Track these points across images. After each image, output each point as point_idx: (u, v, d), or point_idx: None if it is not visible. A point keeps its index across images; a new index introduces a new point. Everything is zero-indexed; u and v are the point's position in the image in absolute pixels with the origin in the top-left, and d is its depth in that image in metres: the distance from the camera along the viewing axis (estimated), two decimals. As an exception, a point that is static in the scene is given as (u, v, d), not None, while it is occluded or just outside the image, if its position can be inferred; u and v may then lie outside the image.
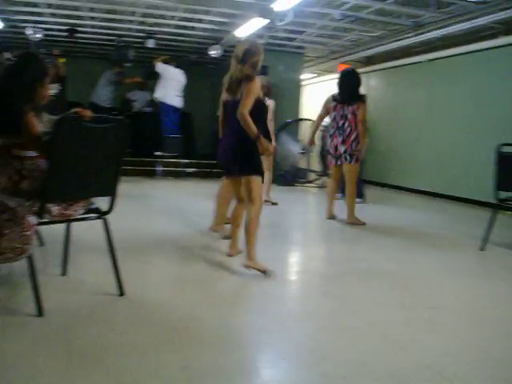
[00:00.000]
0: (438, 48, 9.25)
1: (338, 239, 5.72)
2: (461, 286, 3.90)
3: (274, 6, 7.52)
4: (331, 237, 5.91)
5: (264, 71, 8.92)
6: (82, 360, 2.31)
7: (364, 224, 6.21)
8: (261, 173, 3.99)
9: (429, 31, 8.57)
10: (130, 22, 9.66)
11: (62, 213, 2.92)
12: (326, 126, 10.37)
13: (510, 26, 7.95)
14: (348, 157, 6.19)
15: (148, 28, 9.93)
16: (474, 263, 4.77)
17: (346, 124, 6.10)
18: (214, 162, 8.41)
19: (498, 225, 5.05)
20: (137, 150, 9.76)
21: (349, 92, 6.18)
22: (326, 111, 6.41)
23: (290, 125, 10.41)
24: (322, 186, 9.92)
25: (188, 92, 10.34)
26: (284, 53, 11.20)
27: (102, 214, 3.13)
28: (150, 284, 3.59)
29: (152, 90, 10.36)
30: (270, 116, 5.48)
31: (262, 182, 4.04)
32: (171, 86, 9.90)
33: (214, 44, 10.48)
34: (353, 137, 6.14)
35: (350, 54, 11.25)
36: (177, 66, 10.15)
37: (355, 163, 6.24)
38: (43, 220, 2.83)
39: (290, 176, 10.31)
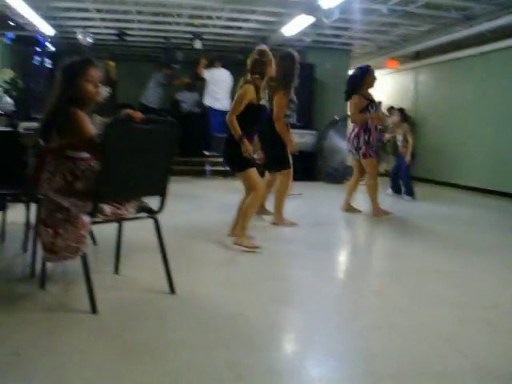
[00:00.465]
0: (490, 40, 8.97)
1: (388, 236, 5.64)
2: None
3: (320, 3, 7.48)
4: (377, 233, 5.83)
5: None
6: (135, 356, 2.37)
7: (389, 213, 6.35)
8: (249, 166, 4.44)
9: (480, 23, 8.34)
10: (177, 23, 9.79)
11: (114, 212, 2.97)
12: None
13: None
14: (355, 152, 6.33)
15: (195, 29, 10.04)
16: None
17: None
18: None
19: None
20: (186, 150, 9.87)
21: (346, 89, 6.39)
22: None
23: (338, 122, 10.34)
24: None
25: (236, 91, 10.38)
26: (331, 50, 11.14)
27: (152, 213, 3.19)
28: (200, 281, 3.62)
29: (200, 91, 10.47)
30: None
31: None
32: (218, 89, 9.99)
33: (260, 43, 10.50)
34: (353, 134, 6.30)
35: (399, 50, 11.06)
36: (223, 66, 10.23)
37: (369, 157, 6.31)
38: (96, 219, 2.90)
39: (338, 174, 10.24)
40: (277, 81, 5.26)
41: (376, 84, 6.40)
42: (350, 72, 6.81)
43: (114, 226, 3.44)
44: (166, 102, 11.15)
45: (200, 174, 10.21)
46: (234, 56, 11.64)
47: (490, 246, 5.06)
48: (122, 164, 2.91)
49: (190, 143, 10.01)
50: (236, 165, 4.54)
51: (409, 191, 8.18)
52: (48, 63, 10.57)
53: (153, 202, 3.20)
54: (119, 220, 3.26)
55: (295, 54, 5.52)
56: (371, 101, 6.29)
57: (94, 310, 2.81)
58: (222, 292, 3.43)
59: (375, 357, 2.46)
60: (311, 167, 10.33)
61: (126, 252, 3.74)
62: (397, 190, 8.39)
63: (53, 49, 10.74)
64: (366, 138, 6.24)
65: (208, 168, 10.25)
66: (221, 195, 7.94)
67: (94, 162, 2.99)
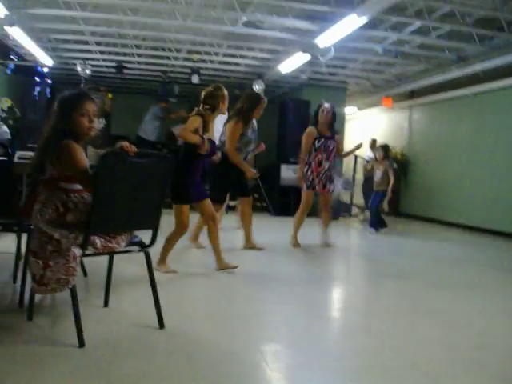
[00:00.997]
0: (483, 81, 9.11)
1: (379, 274, 5.62)
2: (506, 328, 3.75)
3: (317, 42, 7.60)
4: (365, 272, 5.81)
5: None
6: (121, 393, 2.32)
7: (299, 246, 6.53)
8: (185, 202, 4.64)
9: (472, 64, 8.48)
10: (176, 58, 9.92)
11: (105, 245, 2.95)
12: (367, 161, 10.30)
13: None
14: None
15: (193, 64, 10.16)
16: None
17: None
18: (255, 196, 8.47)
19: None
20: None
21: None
22: None
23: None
24: (364, 220, 9.82)
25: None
26: (327, 87, 11.27)
27: (144, 247, 3.17)
28: (190, 316, 3.58)
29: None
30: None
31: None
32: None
33: (257, 79, 10.62)
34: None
35: (394, 88, 11.22)
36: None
37: (304, 190, 6.54)
38: (87, 252, 2.88)
39: (333, 210, 10.23)
40: (235, 112, 5.65)
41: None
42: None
43: (104, 257, 3.41)
44: (162, 135, 11.22)
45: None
46: (231, 91, 11.74)
47: (477, 284, 5.05)
48: (114, 197, 2.90)
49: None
50: (174, 194, 4.61)
51: (373, 224, 8.36)
52: (46, 93, 10.65)
53: (145, 234, 3.19)
54: (110, 253, 3.23)
55: (263, 98, 5.82)
56: (322, 136, 6.41)
57: (81, 344, 2.76)
58: (211, 327, 3.37)
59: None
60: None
61: (117, 284, 3.70)
62: (381, 225, 8.45)
63: (50, 81, 10.84)
64: (305, 170, 6.46)
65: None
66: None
67: (87, 194, 2.97)
